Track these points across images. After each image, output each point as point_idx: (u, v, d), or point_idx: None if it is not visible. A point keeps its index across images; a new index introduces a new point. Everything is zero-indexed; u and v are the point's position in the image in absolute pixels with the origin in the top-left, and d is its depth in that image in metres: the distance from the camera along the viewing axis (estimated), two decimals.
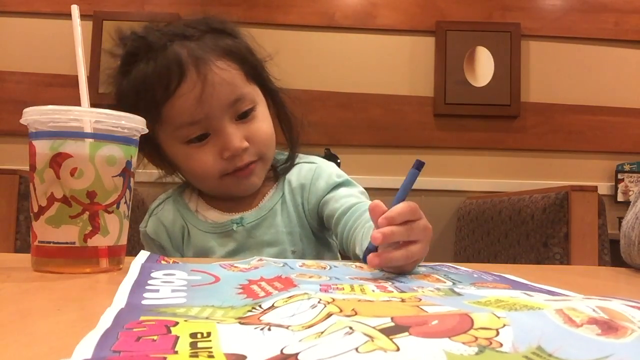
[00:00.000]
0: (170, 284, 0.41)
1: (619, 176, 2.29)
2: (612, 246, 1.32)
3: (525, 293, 0.38)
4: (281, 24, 2.15)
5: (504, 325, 0.25)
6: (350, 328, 0.24)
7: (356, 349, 0.22)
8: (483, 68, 2.27)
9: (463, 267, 0.56)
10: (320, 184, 0.79)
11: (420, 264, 0.57)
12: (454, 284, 0.45)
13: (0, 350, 0.23)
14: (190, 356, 0.22)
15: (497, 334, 0.24)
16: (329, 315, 0.28)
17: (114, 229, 0.50)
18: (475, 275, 0.50)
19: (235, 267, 0.52)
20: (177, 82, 0.68)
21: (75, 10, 0.55)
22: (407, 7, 2.29)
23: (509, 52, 2.27)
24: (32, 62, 2.19)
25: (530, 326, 0.25)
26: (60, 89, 2.12)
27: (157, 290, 0.38)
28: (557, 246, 1.40)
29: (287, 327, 0.27)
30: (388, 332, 0.24)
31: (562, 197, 1.41)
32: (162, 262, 0.53)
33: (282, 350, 0.23)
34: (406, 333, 0.24)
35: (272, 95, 0.80)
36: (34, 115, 0.48)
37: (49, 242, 0.48)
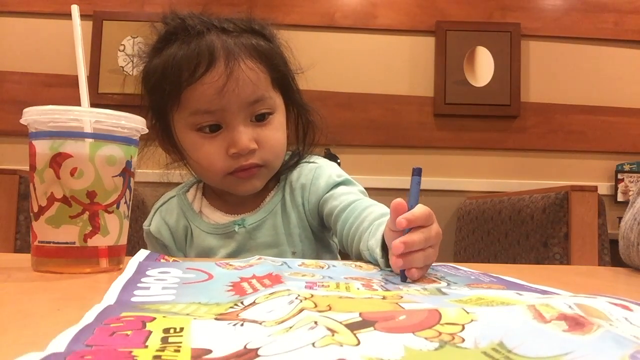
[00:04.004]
0: (162, 282, 0.42)
1: (619, 176, 2.29)
2: (612, 246, 1.32)
3: (517, 293, 0.38)
4: (281, 24, 2.14)
5: (472, 321, 0.26)
6: (315, 323, 0.25)
7: (312, 344, 0.22)
8: (483, 68, 2.27)
9: (464, 268, 0.56)
10: (321, 184, 0.79)
11: None
12: (448, 284, 0.45)
13: (0, 350, 0.24)
14: (157, 350, 0.22)
15: (463, 329, 0.25)
16: (301, 310, 0.28)
17: (114, 229, 0.50)
18: (473, 277, 0.50)
19: (231, 265, 0.52)
20: (203, 70, 0.68)
21: (75, 10, 0.55)
22: (407, 7, 2.29)
23: (509, 52, 2.26)
24: (32, 62, 2.19)
25: (497, 322, 0.25)
26: (60, 89, 2.12)
27: (148, 288, 0.39)
28: (557, 246, 1.40)
29: (260, 323, 0.28)
30: (354, 326, 0.25)
31: (562, 197, 1.41)
32: (162, 260, 0.53)
33: (245, 345, 0.23)
34: (371, 328, 0.25)
35: (295, 106, 0.80)
36: (34, 115, 0.48)
37: (49, 242, 0.48)
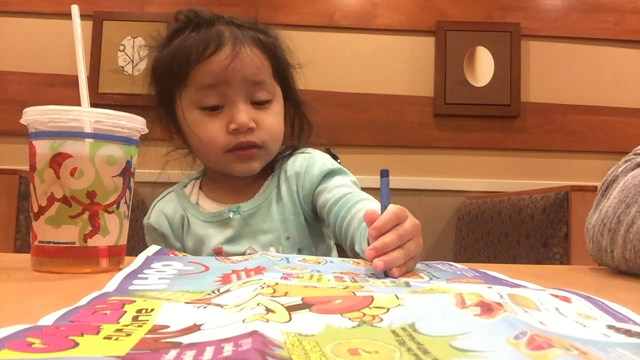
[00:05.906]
0: (161, 273, 0.44)
1: None
2: None
3: (488, 287, 0.39)
4: (281, 24, 2.15)
5: (398, 305, 0.28)
6: (258, 304, 0.28)
7: (243, 320, 0.25)
8: (483, 68, 2.27)
9: (460, 265, 0.56)
10: (314, 172, 0.82)
11: (421, 262, 0.58)
12: (430, 279, 0.46)
13: None
14: (124, 325, 0.25)
15: (387, 311, 0.27)
16: (257, 295, 0.31)
17: (114, 229, 0.50)
18: (458, 273, 0.51)
19: (229, 259, 0.54)
20: (212, 51, 0.74)
21: (75, 10, 0.55)
22: (407, 7, 2.29)
23: (509, 52, 2.26)
24: (32, 62, 2.19)
25: (418, 306, 0.28)
26: (60, 89, 2.12)
27: (147, 278, 0.41)
28: (557, 246, 1.40)
29: (222, 306, 0.30)
30: (292, 308, 0.28)
31: (562, 197, 1.41)
32: (171, 255, 0.54)
33: (195, 322, 0.26)
34: (307, 310, 0.27)
35: (291, 99, 0.84)
36: (34, 115, 0.48)
37: (49, 242, 0.48)
